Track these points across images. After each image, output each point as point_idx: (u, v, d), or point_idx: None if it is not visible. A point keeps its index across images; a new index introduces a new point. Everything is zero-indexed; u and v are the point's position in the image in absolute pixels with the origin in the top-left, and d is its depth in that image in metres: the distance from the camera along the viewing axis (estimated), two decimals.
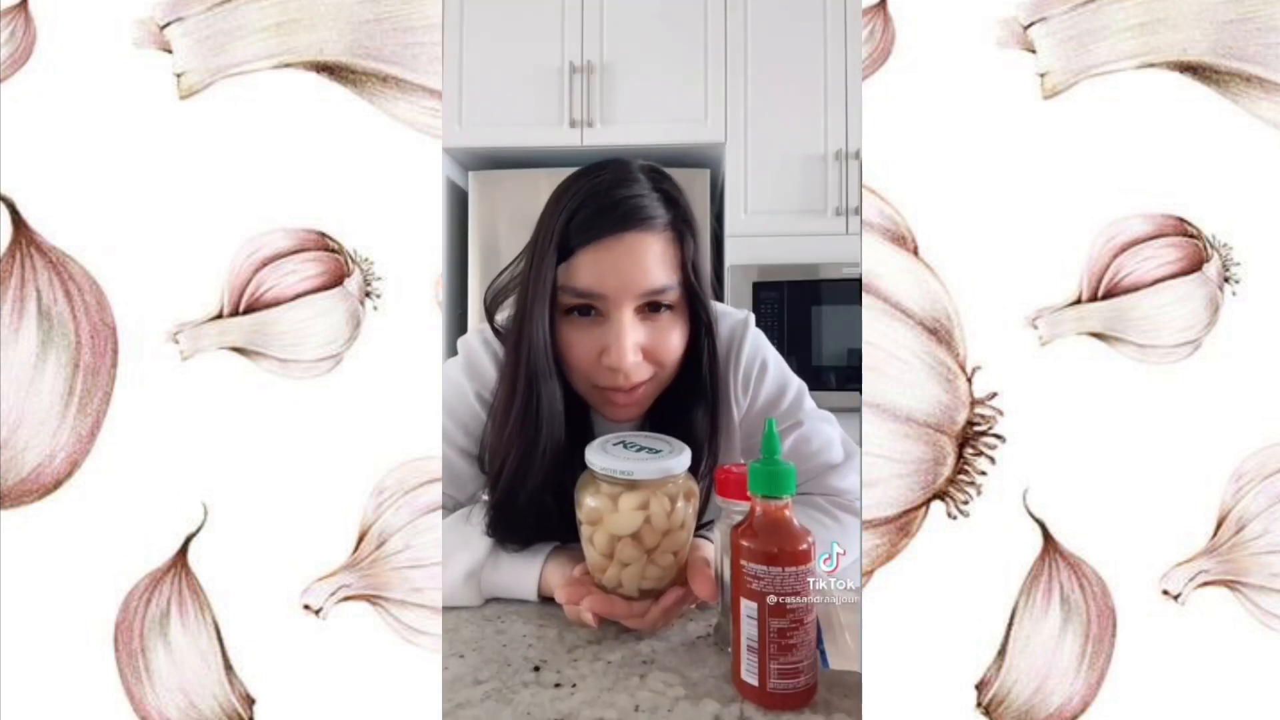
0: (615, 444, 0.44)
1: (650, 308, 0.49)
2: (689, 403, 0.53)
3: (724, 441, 0.56)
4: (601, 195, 0.49)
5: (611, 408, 0.52)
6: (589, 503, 0.43)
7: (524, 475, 0.50)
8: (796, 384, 0.61)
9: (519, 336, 0.51)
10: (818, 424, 0.60)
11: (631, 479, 0.42)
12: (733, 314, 0.61)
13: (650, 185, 0.51)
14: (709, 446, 0.53)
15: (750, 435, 0.59)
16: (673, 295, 0.50)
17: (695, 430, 0.52)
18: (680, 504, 0.42)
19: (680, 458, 0.43)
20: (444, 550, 0.44)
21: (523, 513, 0.50)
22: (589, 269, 0.48)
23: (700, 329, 0.52)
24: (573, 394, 0.53)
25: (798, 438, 0.58)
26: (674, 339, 0.50)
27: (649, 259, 0.48)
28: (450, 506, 0.55)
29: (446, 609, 0.44)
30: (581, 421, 0.54)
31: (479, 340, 0.58)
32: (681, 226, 0.51)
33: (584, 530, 0.44)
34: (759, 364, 0.59)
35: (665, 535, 0.42)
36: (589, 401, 0.53)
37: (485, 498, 0.57)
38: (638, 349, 0.49)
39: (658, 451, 0.43)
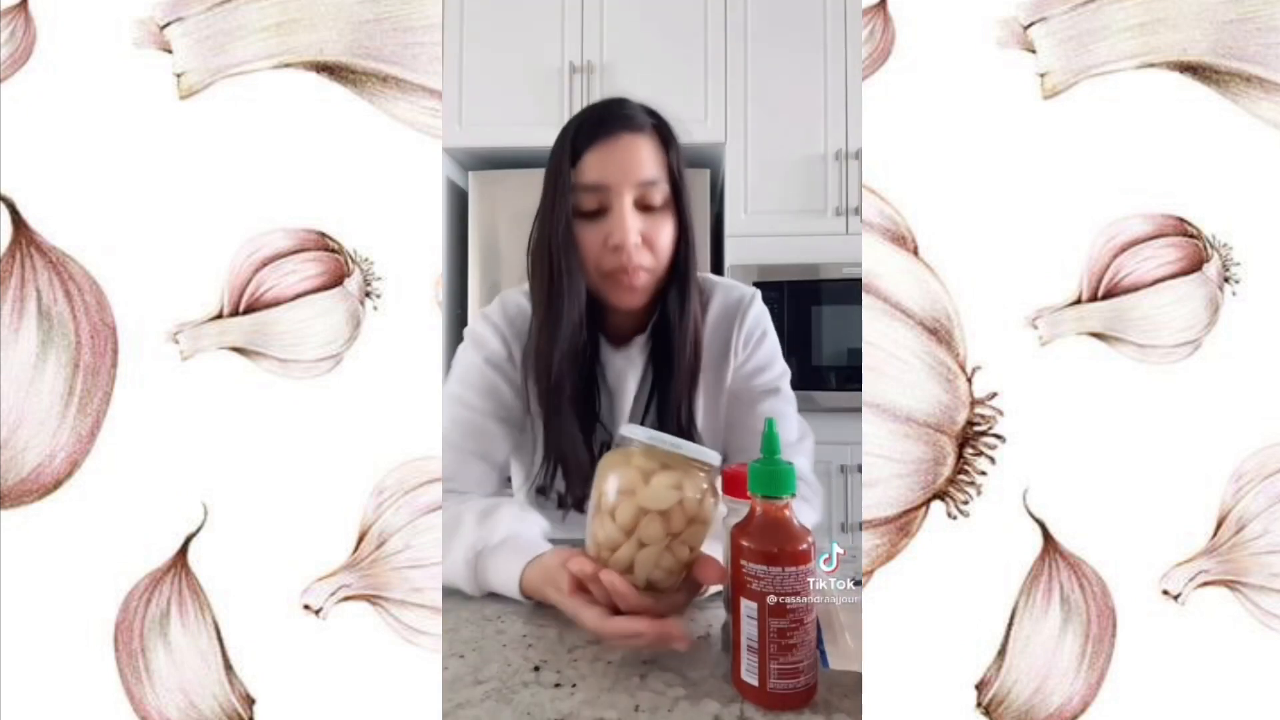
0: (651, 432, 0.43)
1: (645, 206, 0.60)
2: (680, 293, 0.63)
3: (716, 388, 0.66)
4: (600, 110, 0.63)
5: (618, 290, 0.61)
6: (615, 479, 0.41)
7: (556, 345, 0.60)
8: (783, 366, 0.70)
9: (543, 232, 0.62)
10: (785, 405, 0.69)
11: (679, 451, 0.41)
12: (741, 286, 0.70)
13: (639, 107, 0.63)
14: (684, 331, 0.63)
15: (736, 394, 0.68)
16: (662, 192, 0.60)
17: (687, 319, 0.63)
18: (709, 497, 0.41)
19: (714, 454, 0.42)
20: (447, 529, 0.50)
21: (562, 388, 0.61)
22: (595, 166, 0.59)
23: (683, 227, 0.63)
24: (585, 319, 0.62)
25: (771, 405, 0.67)
26: (666, 231, 0.61)
27: (642, 153, 0.60)
28: (485, 480, 0.63)
29: (446, 610, 0.44)
30: (591, 346, 0.64)
31: (479, 319, 0.68)
32: (665, 132, 0.62)
33: (605, 503, 0.42)
34: (759, 332, 0.69)
35: (690, 524, 0.40)
36: (598, 291, 0.62)
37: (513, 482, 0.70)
38: (637, 232, 0.59)
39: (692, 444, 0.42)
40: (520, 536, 0.51)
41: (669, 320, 0.63)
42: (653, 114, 0.63)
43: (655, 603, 0.41)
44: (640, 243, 0.59)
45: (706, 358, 0.65)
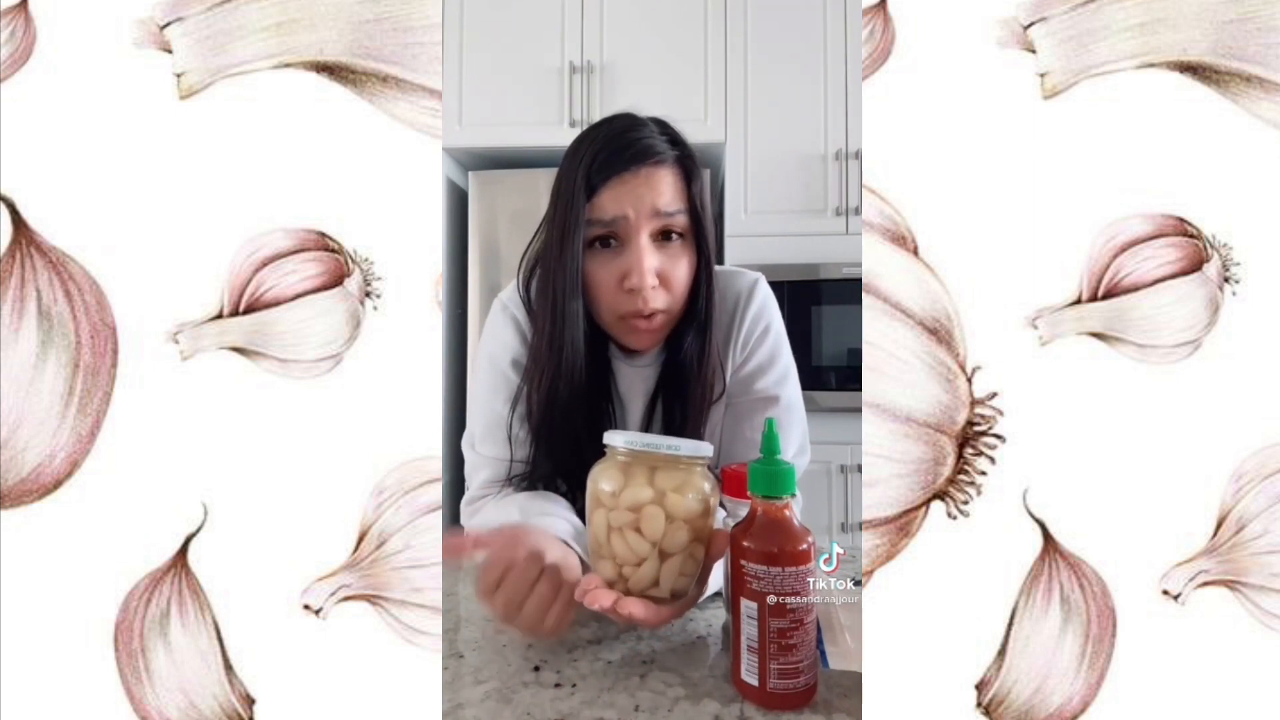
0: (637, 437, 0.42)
1: (663, 236, 0.56)
2: (699, 330, 0.60)
3: (716, 371, 0.62)
4: (616, 139, 0.56)
5: (634, 335, 0.58)
6: (630, 493, 0.40)
7: (555, 390, 0.57)
8: (786, 366, 0.65)
9: (548, 269, 0.57)
10: (786, 414, 0.63)
11: (676, 454, 0.40)
12: (745, 274, 0.65)
13: (657, 130, 0.58)
14: (702, 370, 0.59)
15: (732, 395, 0.63)
16: (681, 222, 0.56)
17: (708, 356, 0.59)
18: (716, 491, 0.41)
19: (706, 445, 0.41)
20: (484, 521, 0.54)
21: (560, 426, 0.58)
22: (611, 200, 0.55)
23: (703, 263, 0.58)
24: (595, 333, 0.59)
25: (768, 414, 0.62)
26: (683, 267, 0.57)
27: (662, 185, 0.55)
28: (506, 475, 0.61)
29: (446, 610, 0.44)
30: (602, 357, 0.61)
31: (497, 306, 0.65)
32: (687, 162, 0.58)
33: (618, 519, 0.40)
34: (762, 327, 0.64)
35: (705, 520, 0.41)
36: (613, 333, 0.60)
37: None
38: (654, 272, 0.55)
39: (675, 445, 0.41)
40: (535, 519, 0.50)
41: (685, 361, 0.59)
42: (676, 141, 0.58)
43: (674, 610, 0.41)
44: (657, 284, 0.55)
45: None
